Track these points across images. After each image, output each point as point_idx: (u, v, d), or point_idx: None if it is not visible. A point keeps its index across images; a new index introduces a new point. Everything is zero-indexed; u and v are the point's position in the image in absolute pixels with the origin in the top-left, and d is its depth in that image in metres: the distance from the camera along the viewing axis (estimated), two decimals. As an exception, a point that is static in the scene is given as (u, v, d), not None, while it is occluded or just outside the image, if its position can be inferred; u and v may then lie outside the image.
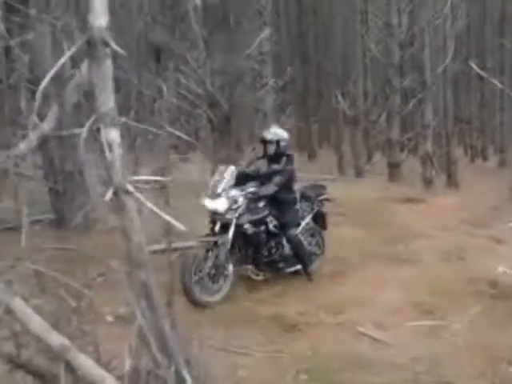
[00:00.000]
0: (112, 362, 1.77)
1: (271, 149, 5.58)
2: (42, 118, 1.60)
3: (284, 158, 5.54)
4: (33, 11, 4.51)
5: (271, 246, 5.54)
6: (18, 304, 1.41)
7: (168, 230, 2.15)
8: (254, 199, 5.38)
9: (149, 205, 1.23)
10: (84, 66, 1.54)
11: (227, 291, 5.03)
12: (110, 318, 4.05)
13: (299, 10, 22.05)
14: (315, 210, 5.96)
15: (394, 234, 7.12)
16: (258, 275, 5.41)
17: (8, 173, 1.49)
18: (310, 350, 4.11)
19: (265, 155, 5.64)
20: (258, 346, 4.16)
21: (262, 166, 5.65)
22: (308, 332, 4.44)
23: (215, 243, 5.04)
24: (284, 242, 5.56)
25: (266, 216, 5.44)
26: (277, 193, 5.41)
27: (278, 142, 5.57)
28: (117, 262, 2.28)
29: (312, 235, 5.95)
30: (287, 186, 5.59)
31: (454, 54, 14.07)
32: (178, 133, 8.37)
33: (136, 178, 1.27)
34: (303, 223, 5.81)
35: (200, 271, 4.91)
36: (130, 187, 1.28)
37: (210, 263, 4.98)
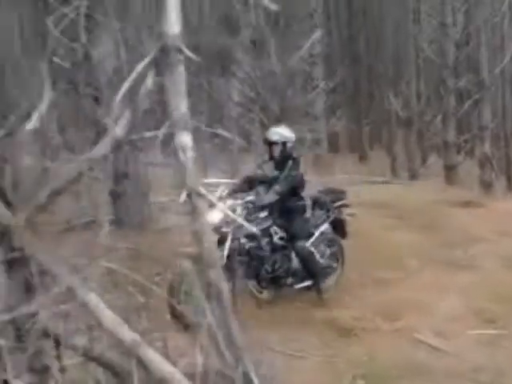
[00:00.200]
0: (178, 359, 1.81)
1: (277, 151, 5.00)
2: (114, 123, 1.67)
3: (290, 162, 5.00)
4: (99, 17, 4.68)
5: (276, 260, 4.97)
6: (93, 299, 1.46)
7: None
8: (254, 209, 4.86)
9: (221, 207, 1.26)
10: (153, 72, 1.59)
11: None
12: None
13: (349, 11, 21.87)
14: (332, 218, 5.34)
15: (452, 239, 6.90)
16: (261, 292, 4.93)
17: (83, 176, 1.56)
18: (366, 356, 4.06)
19: (271, 158, 5.10)
20: (313, 349, 4.15)
21: (268, 170, 5.17)
22: (364, 337, 4.39)
23: None
24: (292, 255, 5.04)
25: (269, 227, 4.94)
26: (283, 201, 4.87)
27: (284, 143, 5.01)
28: (187, 261, 2.33)
29: (329, 246, 5.34)
30: (294, 192, 5.04)
31: (512, 53, 13.55)
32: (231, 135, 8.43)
33: (208, 180, 1.30)
34: (317, 233, 5.20)
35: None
36: (202, 190, 1.31)
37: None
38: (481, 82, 13.07)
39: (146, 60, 1.32)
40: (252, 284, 4.87)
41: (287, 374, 3.66)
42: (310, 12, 13.61)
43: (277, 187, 4.89)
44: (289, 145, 5.04)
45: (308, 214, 5.17)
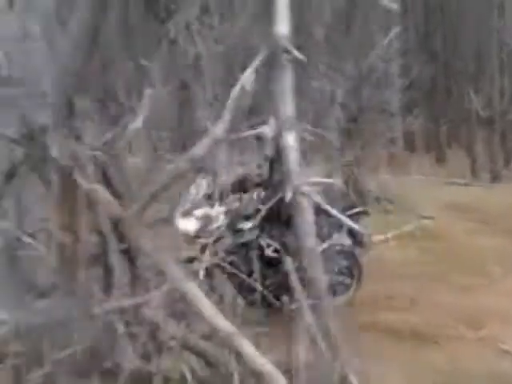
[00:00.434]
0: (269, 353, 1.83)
1: (269, 148, 4.22)
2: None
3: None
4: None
5: (267, 276, 4.30)
6: (192, 288, 1.51)
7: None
8: (241, 217, 4.26)
9: (326, 206, 1.27)
10: (250, 72, 1.61)
11: None
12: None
13: (426, 7, 21.20)
14: (345, 228, 4.60)
15: (539, 245, 6.51)
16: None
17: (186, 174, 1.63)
18: (448, 364, 3.93)
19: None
20: (391, 354, 4.05)
21: (266, 170, 4.45)
22: (445, 345, 4.24)
23: None
24: (289, 270, 4.30)
25: (258, 238, 4.31)
26: (278, 208, 4.02)
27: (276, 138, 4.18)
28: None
29: (341, 260, 4.70)
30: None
31: None
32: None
33: (312, 180, 1.31)
34: (325, 244, 4.47)
35: None
36: (306, 189, 1.32)
37: None
38: None
39: (256, 61, 1.34)
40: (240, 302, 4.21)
41: (366, 380, 3.61)
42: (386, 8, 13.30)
43: (262, 193, 4.24)
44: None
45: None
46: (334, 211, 3.58)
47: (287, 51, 1.34)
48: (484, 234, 6.73)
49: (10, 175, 1.48)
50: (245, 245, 4.24)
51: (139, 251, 1.50)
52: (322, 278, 1.45)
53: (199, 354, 1.84)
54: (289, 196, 1.28)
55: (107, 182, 1.47)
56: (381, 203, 7.77)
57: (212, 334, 1.65)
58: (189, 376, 1.70)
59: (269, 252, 4.34)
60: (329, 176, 5.34)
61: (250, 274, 4.10)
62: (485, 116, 15.12)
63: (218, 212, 4.20)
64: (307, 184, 1.29)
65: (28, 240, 1.38)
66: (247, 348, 1.55)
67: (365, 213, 4.91)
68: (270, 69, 1.38)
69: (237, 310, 3.43)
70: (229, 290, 4.00)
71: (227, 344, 1.58)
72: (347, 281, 4.69)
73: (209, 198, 4.20)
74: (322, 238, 4.27)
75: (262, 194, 4.29)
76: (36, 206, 1.46)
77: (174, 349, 1.76)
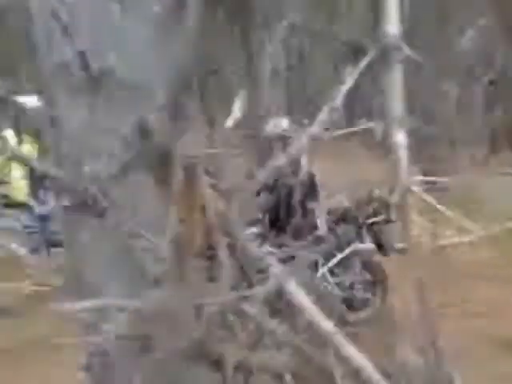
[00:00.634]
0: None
1: (277, 148, 4.15)
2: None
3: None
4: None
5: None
6: (293, 286, 1.53)
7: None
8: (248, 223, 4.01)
9: (438, 206, 1.25)
10: (349, 70, 1.61)
11: None
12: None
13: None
14: (364, 237, 4.28)
15: None
16: None
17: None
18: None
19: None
20: (480, 364, 3.91)
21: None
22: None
23: None
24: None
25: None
26: (287, 214, 3.84)
27: (284, 138, 4.14)
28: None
29: (362, 272, 4.38)
30: (301, 205, 4.04)
31: None
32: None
33: (420, 178, 1.30)
34: (340, 256, 4.16)
35: None
36: (415, 187, 1.31)
37: None
38: None
39: (366, 59, 1.35)
40: None
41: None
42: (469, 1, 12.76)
43: (262, 199, 3.96)
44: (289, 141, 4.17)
45: (322, 231, 4.22)
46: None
47: (398, 49, 1.34)
48: None
49: (125, 171, 1.57)
50: None
51: (241, 247, 1.55)
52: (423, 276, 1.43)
53: (297, 351, 1.86)
54: (396, 195, 1.27)
55: (214, 179, 1.53)
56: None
57: (311, 332, 1.67)
58: (286, 372, 1.73)
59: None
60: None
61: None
62: None
63: None
64: (416, 183, 1.28)
65: (141, 231, 1.47)
66: (348, 348, 1.56)
67: (391, 221, 4.55)
68: (378, 67, 1.38)
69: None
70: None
71: (328, 343, 1.59)
72: (368, 295, 4.44)
73: None
74: (337, 249, 4.15)
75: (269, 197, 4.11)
76: (148, 200, 1.54)
77: (272, 345, 1.80)
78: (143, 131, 1.53)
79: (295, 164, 4.12)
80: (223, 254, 1.45)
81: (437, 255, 5.02)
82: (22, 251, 1.86)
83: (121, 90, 1.65)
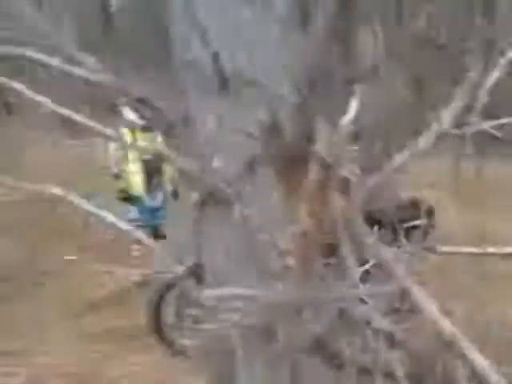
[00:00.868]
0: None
1: None
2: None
3: None
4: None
5: None
6: (416, 287, 1.50)
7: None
8: None
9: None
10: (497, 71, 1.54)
11: None
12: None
13: None
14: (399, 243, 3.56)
15: None
16: None
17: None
18: None
19: None
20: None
21: None
22: None
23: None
24: None
25: None
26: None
27: None
28: None
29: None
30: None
31: None
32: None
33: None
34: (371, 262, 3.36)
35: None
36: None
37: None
38: None
39: (504, 60, 1.29)
40: None
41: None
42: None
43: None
44: None
45: None
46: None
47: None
48: None
49: (252, 168, 1.63)
50: None
51: (364, 246, 1.55)
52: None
53: (409, 352, 1.83)
54: None
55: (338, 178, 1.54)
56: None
57: (434, 335, 1.63)
58: (400, 373, 1.70)
59: None
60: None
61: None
62: None
63: None
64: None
65: (264, 226, 1.52)
66: (473, 353, 1.50)
67: (433, 226, 4.14)
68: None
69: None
70: None
71: (451, 347, 1.54)
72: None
73: None
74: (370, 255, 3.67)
75: None
76: (274, 196, 1.59)
77: (388, 347, 1.78)
78: (274, 129, 1.58)
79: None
80: (347, 251, 1.46)
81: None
82: (150, 241, 2.00)
83: (249, 89, 1.71)
